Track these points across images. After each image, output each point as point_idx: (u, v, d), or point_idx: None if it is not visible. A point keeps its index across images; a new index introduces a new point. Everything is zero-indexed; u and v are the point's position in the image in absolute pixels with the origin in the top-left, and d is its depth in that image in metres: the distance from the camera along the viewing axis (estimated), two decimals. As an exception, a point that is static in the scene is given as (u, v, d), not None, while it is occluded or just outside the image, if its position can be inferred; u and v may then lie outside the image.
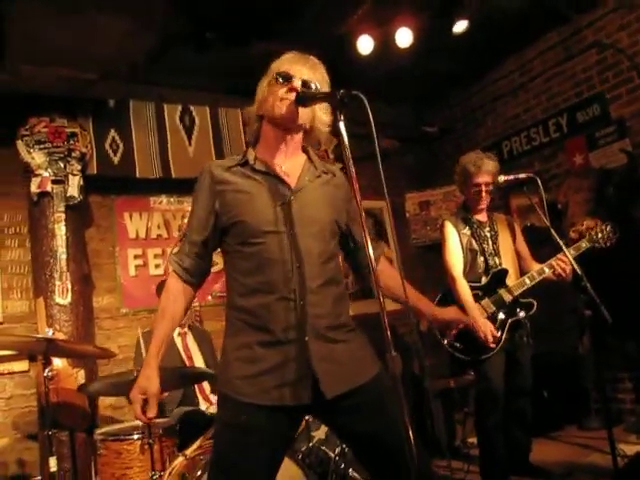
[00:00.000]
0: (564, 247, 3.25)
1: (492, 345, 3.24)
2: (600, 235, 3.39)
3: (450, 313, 2.18)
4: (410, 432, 1.49)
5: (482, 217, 3.62)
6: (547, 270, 3.39)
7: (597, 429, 4.33)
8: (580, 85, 5.07)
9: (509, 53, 5.56)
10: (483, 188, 3.50)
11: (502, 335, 3.36)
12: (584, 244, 3.41)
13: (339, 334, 1.85)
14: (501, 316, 3.41)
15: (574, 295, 4.16)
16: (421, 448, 1.77)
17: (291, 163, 1.93)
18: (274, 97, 1.86)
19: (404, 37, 4.57)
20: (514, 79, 5.64)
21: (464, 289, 3.39)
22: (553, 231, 3.30)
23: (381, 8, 4.38)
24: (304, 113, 1.87)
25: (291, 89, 1.83)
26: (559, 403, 4.58)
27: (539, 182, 3.40)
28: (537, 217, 4.78)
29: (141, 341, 3.83)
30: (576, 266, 3.16)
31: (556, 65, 5.24)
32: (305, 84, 1.84)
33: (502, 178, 3.51)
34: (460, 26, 4.60)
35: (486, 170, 3.50)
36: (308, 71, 1.88)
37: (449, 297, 3.44)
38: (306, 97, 1.81)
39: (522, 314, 3.42)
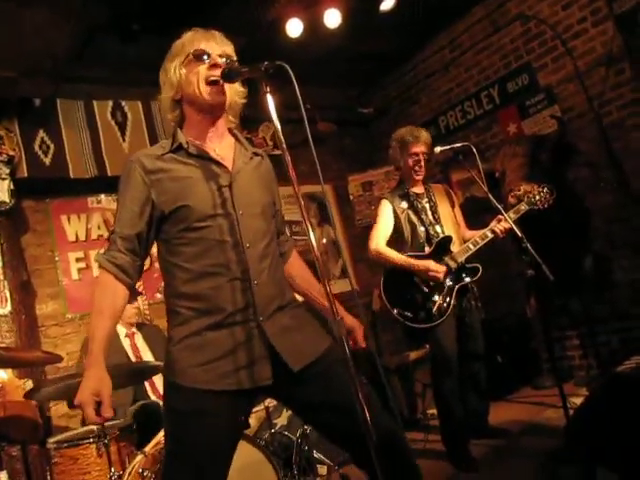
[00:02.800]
0: (502, 211, 3.34)
1: (441, 278, 3.36)
2: (538, 197, 3.49)
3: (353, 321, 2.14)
4: (361, 394, 1.52)
5: (419, 189, 3.68)
6: (490, 234, 3.47)
7: (550, 387, 4.47)
8: (508, 56, 5.19)
9: (438, 30, 5.64)
10: (421, 157, 3.56)
11: (450, 301, 3.43)
12: (523, 207, 3.50)
13: (288, 311, 1.87)
14: (448, 283, 3.47)
15: (517, 259, 4.30)
16: (386, 411, 1.81)
17: (222, 146, 1.91)
18: (197, 77, 1.81)
19: (332, 18, 4.57)
20: (445, 55, 5.73)
21: (391, 253, 3.47)
22: (492, 198, 3.37)
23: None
24: (230, 89, 1.85)
25: (214, 65, 1.81)
26: (512, 366, 4.69)
27: (474, 150, 3.48)
28: (477, 188, 4.90)
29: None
30: (516, 228, 3.24)
31: (484, 38, 5.34)
32: (226, 58, 1.83)
33: (438, 149, 3.57)
34: (387, 4, 4.63)
35: (423, 140, 3.59)
36: (221, 45, 1.86)
37: (393, 274, 3.50)
38: (232, 72, 1.78)
39: (468, 279, 3.50)
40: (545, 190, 3.49)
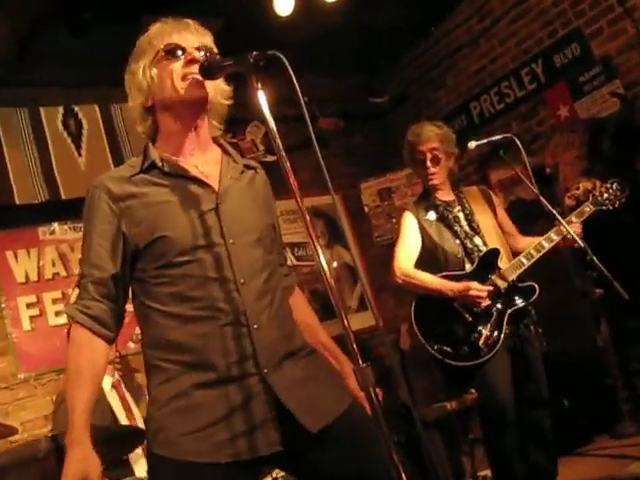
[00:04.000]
0: (558, 217, 3.32)
1: (485, 303, 3.33)
2: (606, 195, 3.47)
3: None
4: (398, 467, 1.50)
5: (447, 196, 3.68)
6: (547, 244, 3.43)
7: (633, 435, 4.42)
8: (552, 23, 5.23)
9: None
10: (428, 156, 3.57)
11: (501, 331, 3.38)
12: (588, 208, 3.48)
13: (300, 359, 1.87)
14: (497, 307, 3.44)
15: (582, 275, 4.28)
16: None
17: (206, 160, 1.93)
18: (172, 76, 1.83)
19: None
20: (473, 25, 5.78)
21: (422, 275, 3.45)
22: (544, 200, 3.38)
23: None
24: (212, 88, 1.88)
25: (191, 61, 1.83)
26: (583, 411, 4.65)
27: (518, 143, 3.49)
28: (524, 188, 4.90)
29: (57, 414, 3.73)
30: (578, 238, 3.24)
31: (520, 2, 5.38)
32: (204, 51, 1.85)
33: (473, 144, 3.58)
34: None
35: (426, 135, 3.60)
36: (197, 36, 1.89)
37: (425, 301, 3.49)
38: (213, 66, 1.80)
39: (522, 302, 3.46)
40: (615, 186, 3.48)
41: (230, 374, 1.75)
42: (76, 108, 4.88)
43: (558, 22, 5.18)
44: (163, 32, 1.87)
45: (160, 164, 1.85)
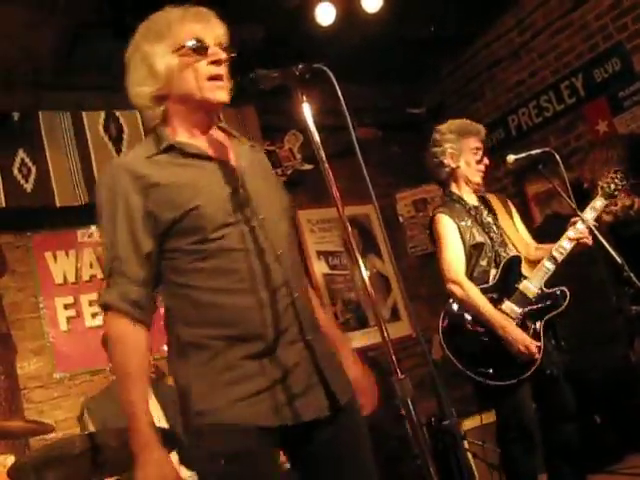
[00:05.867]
0: (594, 229, 3.29)
1: (537, 356, 3.21)
2: (613, 186, 3.43)
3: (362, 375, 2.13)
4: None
5: (474, 200, 3.63)
6: (568, 245, 3.36)
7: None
8: (594, 37, 5.21)
9: (503, 8, 5.68)
10: (482, 154, 3.60)
11: (541, 342, 3.28)
12: (599, 202, 3.43)
13: (319, 333, 1.93)
14: (530, 318, 3.36)
15: (618, 291, 4.24)
16: None
17: (216, 142, 1.96)
18: (197, 75, 1.84)
19: (372, 0, 4.65)
20: (513, 38, 5.78)
21: (477, 296, 3.32)
22: (581, 214, 3.36)
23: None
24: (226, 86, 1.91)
25: (217, 61, 1.85)
26: (614, 428, 4.60)
27: (557, 158, 3.47)
28: (559, 203, 4.88)
29: (85, 413, 3.79)
30: (613, 252, 3.21)
31: (561, 16, 5.38)
32: (228, 51, 1.89)
33: (512, 157, 3.58)
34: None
35: (483, 134, 3.69)
36: (217, 31, 1.90)
37: (456, 317, 3.43)
38: (260, 79, 1.81)
39: (555, 308, 3.37)
40: (619, 175, 3.45)
41: (278, 342, 1.77)
42: (117, 113, 4.94)
43: (599, 36, 5.16)
44: (184, 19, 1.87)
45: (179, 146, 1.86)
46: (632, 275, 3.06)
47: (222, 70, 1.85)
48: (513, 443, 3.39)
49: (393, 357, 1.55)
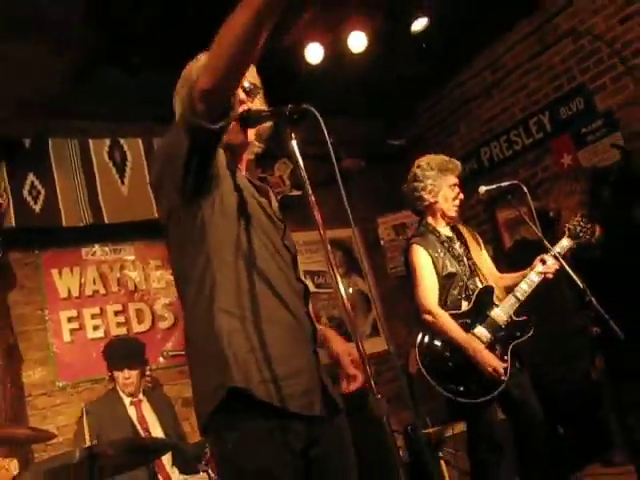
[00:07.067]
0: (560, 257, 3.32)
1: (504, 377, 3.23)
2: (579, 228, 3.46)
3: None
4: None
5: (448, 232, 3.64)
6: (536, 278, 3.40)
7: (623, 464, 4.36)
8: (559, 78, 5.25)
9: (476, 50, 5.73)
10: (459, 190, 3.60)
11: (508, 365, 3.31)
12: (565, 242, 3.46)
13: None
14: (500, 343, 3.38)
15: (580, 314, 4.26)
16: None
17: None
18: None
19: (357, 41, 4.69)
20: (485, 77, 5.82)
21: (449, 324, 3.35)
22: (546, 242, 3.38)
23: (329, 11, 4.50)
24: (251, 132, 1.91)
25: (240, 102, 1.87)
26: (577, 439, 4.59)
27: (525, 190, 3.50)
28: (527, 229, 4.90)
29: (84, 415, 3.75)
30: (577, 279, 3.22)
31: (530, 58, 5.42)
32: (250, 92, 1.90)
33: (483, 189, 3.60)
34: (419, 24, 4.74)
35: (460, 170, 3.67)
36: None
37: (430, 337, 3.43)
38: (250, 119, 1.85)
39: (521, 335, 3.41)
40: (583, 219, 3.47)
41: (305, 334, 1.83)
42: (122, 141, 4.95)
43: (564, 77, 5.20)
44: None
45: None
46: (593, 299, 3.07)
47: (242, 109, 1.87)
48: (483, 454, 3.41)
49: (371, 379, 1.54)
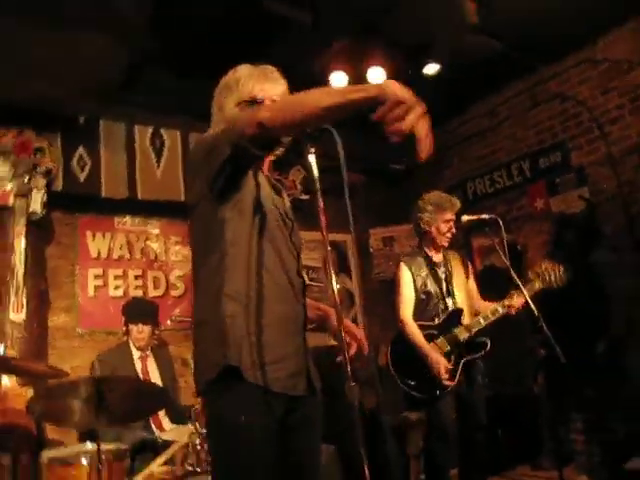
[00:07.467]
0: (521, 286, 3.34)
1: (446, 381, 3.32)
2: (553, 277, 3.50)
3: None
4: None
5: (438, 257, 3.70)
6: (501, 310, 3.48)
7: (548, 469, 4.37)
8: (543, 133, 5.26)
9: (478, 97, 5.74)
10: (453, 225, 3.59)
11: (457, 373, 3.42)
12: (537, 285, 3.51)
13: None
14: (455, 355, 3.48)
15: (530, 335, 4.28)
16: None
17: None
18: None
19: (376, 75, 4.67)
20: (482, 122, 5.82)
21: (415, 331, 3.48)
22: (513, 271, 3.39)
23: (356, 44, 4.49)
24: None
25: None
26: (513, 442, 4.61)
27: (501, 224, 3.51)
28: (497, 257, 4.89)
29: (96, 362, 3.75)
30: (533, 306, 3.24)
31: (522, 112, 5.43)
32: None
33: (465, 217, 3.61)
34: (431, 68, 4.74)
35: (458, 207, 3.65)
36: (275, 86, 1.91)
37: (402, 339, 3.54)
38: None
39: (476, 353, 3.49)
40: (561, 270, 3.50)
41: (297, 323, 1.83)
42: (162, 131, 4.94)
43: (548, 133, 5.22)
44: (250, 77, 1.89)
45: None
46: (544, 325, 3.09)
47: None
48: (434, 441, 3.49)
49: (348, 366, 1.54)
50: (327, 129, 1.66)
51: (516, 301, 3.43)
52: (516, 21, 4.31)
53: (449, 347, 3.47)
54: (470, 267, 3.85)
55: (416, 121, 1.48)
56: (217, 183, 1.71)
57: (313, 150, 1.70)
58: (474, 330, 3.48)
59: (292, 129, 1.62)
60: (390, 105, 1.46)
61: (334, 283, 1.63)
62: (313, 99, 1.55)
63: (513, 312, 3.46)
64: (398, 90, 1.47)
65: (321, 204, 1.66)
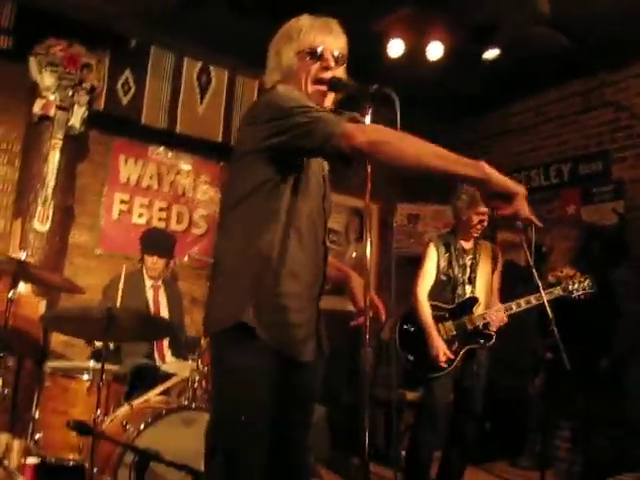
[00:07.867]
0: (541, 288, 3.30)
1: (443, 364, 3.39)
2: (575, 286, 3.46)
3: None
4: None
5: (468, 244, 3.68)
6: (515, 308, 3.47)
7: (527, 469, 4.43)
8: (590, 139, 5.14)
9: (531, 90, 5.59)
10: (485, 218, 3.58)
11: (456, 359, 3.46)
12: (557, 291, 3.48)
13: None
14: (459, 341, 3.51)
15: (536, 337, 4.28)
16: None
17: None
18: (307, 75, 1.82)
19: (435, 51, 4.57)
20: (528, 117, 5.69)
21: (425, 310, 3.53)
22: (535, 271, 3.35)
23: (420, 15, 4.38)
24: (329, 98, 1.87)
25: (326, 67, 1.82)
26: (496, 437, 4.66)
27: (536, 224, 3.45)
28: (517, 254, 4.89)
29: (121, 280, 3.79)
30: (549, 309, 3.22)
31: (572, 114, 5.29)
32: (340, 60, 1.85)
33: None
34: (491, 53, 4.63)
35: None
36: (336, 40, 1.87)
37: (411, 314, 3.58)
38: (339, 85, 1.81)
39: (478, 343, 3.50)
40: (587, 282, 3.46)
41: (312, 292, 1.83)
42: (211, 67, 4.91)
43: (594, 140, 5.09)
44: (312, 28, 1.85)
45: None
46: (555, 329, 3.07)
47: (329, 75, 1.81)
48: (422, 420, 3.58)
49: (367, 329, 1.55)
50: (389, 94, 1.64)
51: (534, 302, 3.42)
52: (590, 19, 4.17)
53: (454, 332, 3.51)
54: (500, 262, 3.81)
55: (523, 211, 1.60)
56: (277, 152, 1.70)
57: (370, 110, 1.68)
58: (482, 322, 3.50)
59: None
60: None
61: (368, 251, 1.64)
62: (419, 153, 1.56)
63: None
64: (509, 184, 1.58)
65: (369, 169, 1.65)
